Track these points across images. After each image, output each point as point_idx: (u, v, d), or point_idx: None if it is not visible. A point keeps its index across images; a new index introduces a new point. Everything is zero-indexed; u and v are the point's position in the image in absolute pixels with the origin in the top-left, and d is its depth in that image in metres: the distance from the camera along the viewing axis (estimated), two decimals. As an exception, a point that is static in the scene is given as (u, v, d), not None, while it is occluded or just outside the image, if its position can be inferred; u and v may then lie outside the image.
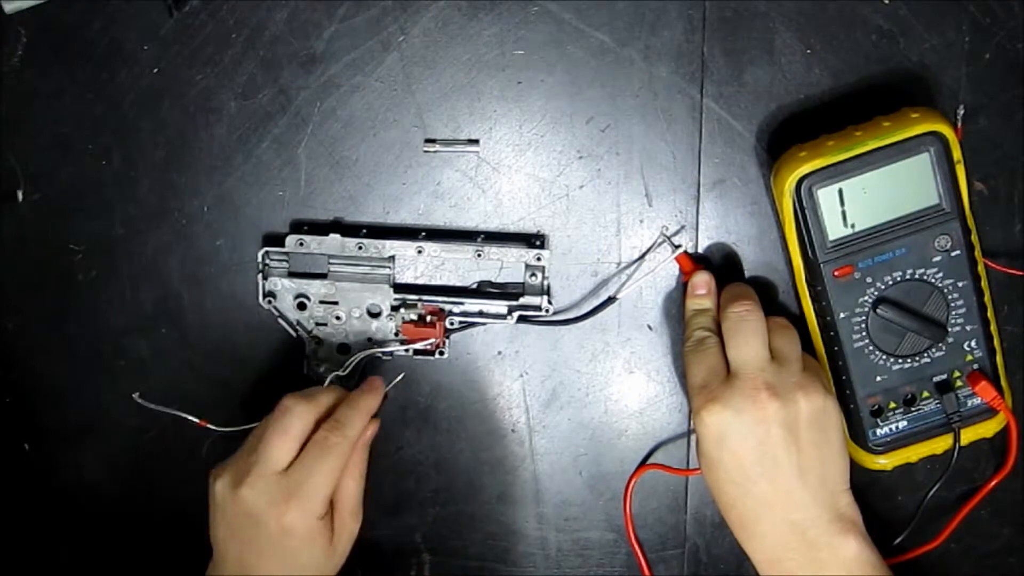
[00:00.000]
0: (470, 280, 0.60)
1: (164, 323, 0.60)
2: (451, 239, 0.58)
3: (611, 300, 0.59)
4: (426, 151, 0.59)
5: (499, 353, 0.61)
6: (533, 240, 0.59)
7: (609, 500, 0.62)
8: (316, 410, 0.53)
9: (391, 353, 0.59)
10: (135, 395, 0.59)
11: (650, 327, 0.60)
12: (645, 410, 0.61)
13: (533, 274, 0.58)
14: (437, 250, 0.58)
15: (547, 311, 0.59)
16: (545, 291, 0.59)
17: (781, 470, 0.51)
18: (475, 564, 0.63)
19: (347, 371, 0.57)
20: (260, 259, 0.58)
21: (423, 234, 0.58)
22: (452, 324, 0.58)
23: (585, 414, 0.61)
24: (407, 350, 0.58)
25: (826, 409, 0.52)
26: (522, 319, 0.59)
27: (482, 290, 0.60)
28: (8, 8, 0.57)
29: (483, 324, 0.59)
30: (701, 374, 0.53)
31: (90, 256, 0.60)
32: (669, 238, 0.59)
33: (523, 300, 0.59)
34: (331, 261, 0.58)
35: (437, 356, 0.59)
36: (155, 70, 0.58)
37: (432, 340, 0.57)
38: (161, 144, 0.59)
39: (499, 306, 0.59)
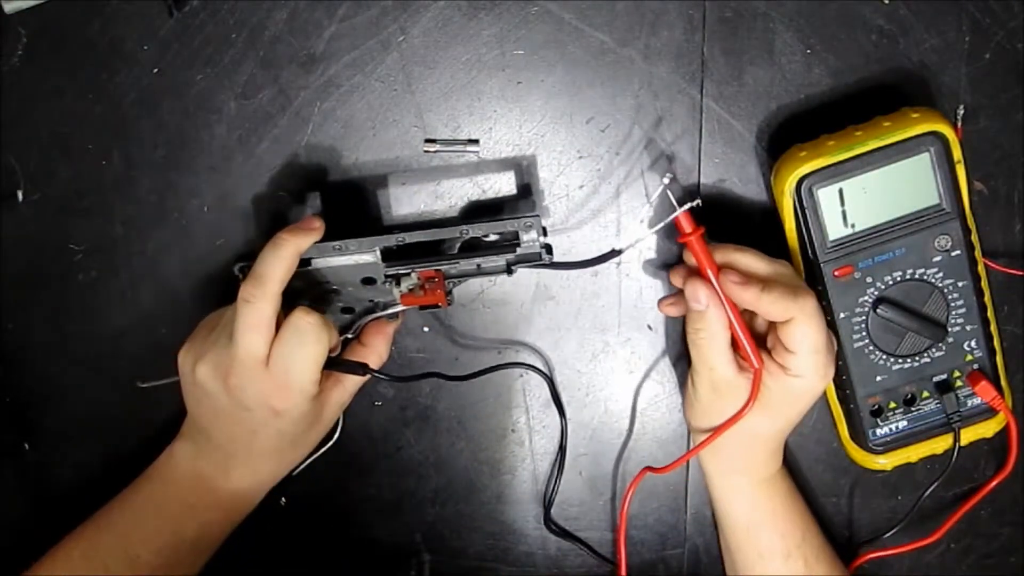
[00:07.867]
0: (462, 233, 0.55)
1: (164, 323, 0.60)
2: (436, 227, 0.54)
3: (614, 252, 0.55)
4: (426, 151, 0.59)
5: (499, 353, 0.61)
6: (525, 222, 0.53)
7: (609, 500, 0.62)
8: (277, 291, 0.51)
9: (396, 315, 0.57)
10: (139, 382, 0.59)
11: (650, 327, 0.60)
12: (645, 410, 0.61)
13: (529, 225, 0.53)
14: (419, 237, 0.54)
15: (547, 260, 0.54)
16: (542, 234, 0.54)
17: None
18: (475, 564, 0.63)
19: (356, 334, 0.56)
20: (237, 272, 0.56)
21: (401, 237, 0.54)
22: (451, 285, 0.55)
23: (585, 414, 0.61)
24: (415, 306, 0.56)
25: None
26: (520, 261, 0.54)
27: (475, 244, 0.55)
28: (8, 8, 0.57)
29: (483, 277, 0.55)
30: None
31: (90, 256, 0.60)
32: (667, 186, 0.53)
33: (519, 251, 0.54)
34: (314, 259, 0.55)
35: (447, 307, 0.56)
36: (155, 70, 0.58)
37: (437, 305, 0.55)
38: (161, 144, 0.59)
39: (498, 261, 0.55)
